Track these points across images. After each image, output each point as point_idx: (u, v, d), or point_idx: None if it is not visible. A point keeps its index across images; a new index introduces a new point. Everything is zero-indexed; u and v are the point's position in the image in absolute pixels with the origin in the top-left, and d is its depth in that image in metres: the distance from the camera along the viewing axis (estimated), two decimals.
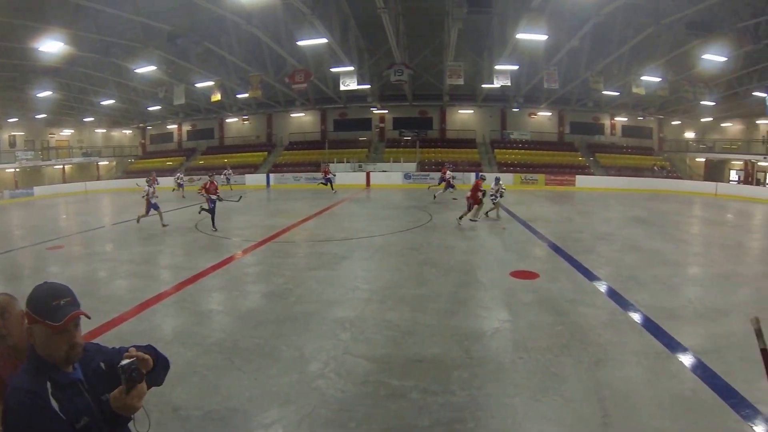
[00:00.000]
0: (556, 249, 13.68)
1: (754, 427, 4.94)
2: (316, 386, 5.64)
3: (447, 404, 5.29)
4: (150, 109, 39.74)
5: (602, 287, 10.04)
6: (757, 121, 42.02)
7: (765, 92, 32.19)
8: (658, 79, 30.18)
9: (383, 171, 37.14)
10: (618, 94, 35.58)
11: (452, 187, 26.69)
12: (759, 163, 40.27)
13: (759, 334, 2.35)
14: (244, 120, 46.63)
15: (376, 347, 6.73)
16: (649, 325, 7.83)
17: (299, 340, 6.95)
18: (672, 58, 27.31)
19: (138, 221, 17.59)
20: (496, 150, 42.05)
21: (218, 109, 41.28)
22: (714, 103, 37.31)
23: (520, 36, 20.78)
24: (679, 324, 7.96)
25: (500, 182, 19.56)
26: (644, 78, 29.81)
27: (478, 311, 8.39)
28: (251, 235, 15.53)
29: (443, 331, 7.31)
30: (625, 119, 46.04)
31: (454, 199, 25.00)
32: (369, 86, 33.60)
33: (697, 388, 5.78)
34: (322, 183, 30.24)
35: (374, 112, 43.17)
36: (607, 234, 16.54)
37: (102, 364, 2.05)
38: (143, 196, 17.57)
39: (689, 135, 48.59)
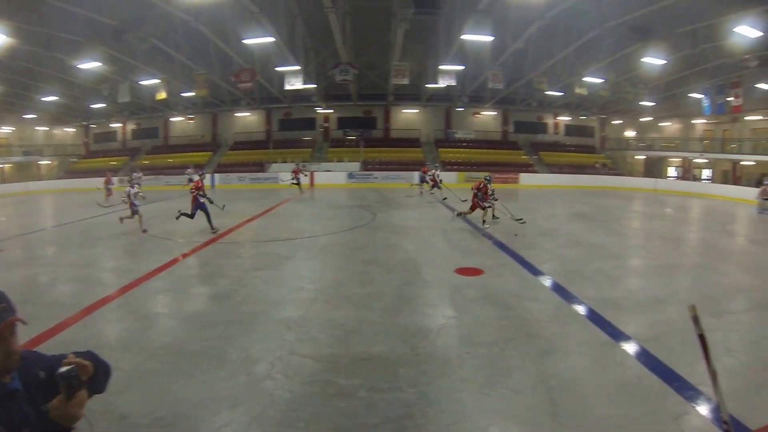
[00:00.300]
0: (501, 246, 13.82)
1: (697, 408, 5.19)
2: (263, 387, 5.55)
3: (395, 401, 5.26)
4: (94, 106, 38.55)
5: (547, 281, 10.20)
6: (693, 121, 44.48)
7: (701, 94, 34.00)
8: (600, 80, 31.20)
9: (327, 171, 37.04)
10: (561, 94, 36.60)
11: (437, 186, 26.63)
12: (695, 160, 42.64)
13: (696, 320, 2.42)
14: (189, 119, 45.73)
15: (322, 346, 6.65)
16: (594, 316, 8.01)
17: (246, 342, 6.81)
18: (614, 61, 28.25)
19: (121, 221, 16.55)
20: (440, 149, 42.51)
21: (163, 107, 40.34)
22: (653, 104, 39.25)
23: (466, 37, 21.03)
24: (622, 314, 8.19)
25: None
26: (587, 79, 30.75)
27: (423, 308, 8.38)
28: (196, 236, 15.15)
29: (389, 329, 7.28)
30: (568, 118, 47.46)
31: (445, 198, 25.19)
32: (314, 86, 33.40)
33: (642, 374, 5.98)
34: (293, 183, 29.52)
35: (319, 111, 43.01)
36: (550, 230, 16.85)
37: (41, 373, 1.92)
38: (124, 199, 16.45)
39: (630, 134, 50.89)
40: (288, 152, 40.25)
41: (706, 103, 33.38)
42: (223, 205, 17.64)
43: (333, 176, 36.04)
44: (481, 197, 16.47)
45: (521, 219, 16.89)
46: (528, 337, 7.10)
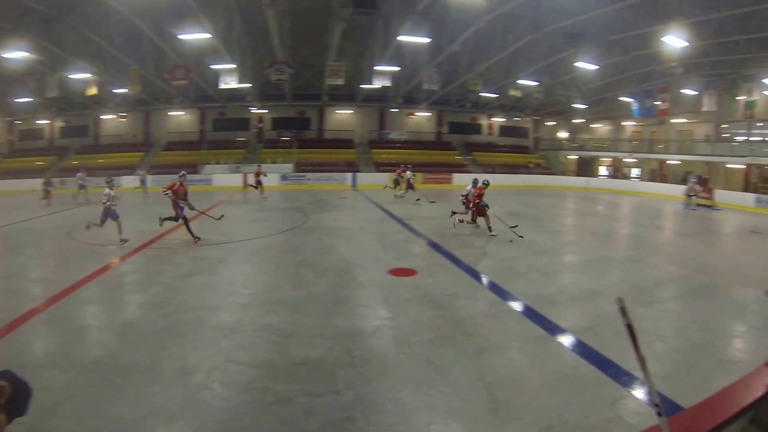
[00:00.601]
0: (435, 245, 13.97)
1: (633, 392, 5.50)
2: (201, 398, 5.38)
3: (335, 405, 5.23)
4: (19, 101, 35.86)
5: (481, 279, 10.39)
6: (624, 123, 46.79)
7: (631, 98, 35.82)
8: (534, 83, 32.04)
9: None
10: (496, 96, 37.38)
11: (411, 188, 26.58)
12: (625, 160, 44.75)
13: (624, 312, 2.48)
14: (121, 117, 43.51)
15: (259, 353, 6.54)
16: (529, 312, 8.21)
17: (180, 351, 6.59)
18: (548, 65, 29.01)
19: (87, 228, 14.75)
20: (373, 150, 42.55)
21: (94, 104, 38.46)
22: (586, 106, 40.98)
23: (403, 38, 21.09)
24: (557, 308, 8.42)
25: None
26: (521, 81, 31.49)
27: (358, 310, 8.35)
28: (128, 241, 14.50)
29: (324, 332, 7.23)
30: (503, 119, 48.61)
31: (418, 200, 25.28)
32: (249, 85, 32.85)
33: (578, 364, 6.22)
34: (252, 186, 28.77)
35: (253, 111, 42.36)
36: (484, 229, 17.05)
37: None
38: (104, 203, 14.37)
39: (563, 134, 52.40)
40: (222, 153, 39.32)
41: (635, 106, 35.11)
42: (221, 216, 16.86)
43: (266, 178, 35.34)
44: (484, 204, 16.03)
45: (515, 225, 16.37)
46: (464, 334, 7.18)
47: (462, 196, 17.78)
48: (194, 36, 20.95)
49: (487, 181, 16.60)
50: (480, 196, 15.87)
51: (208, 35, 20.68)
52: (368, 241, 14.71)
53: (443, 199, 26.08)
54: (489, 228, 15.68)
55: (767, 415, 3.41)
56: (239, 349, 6.64)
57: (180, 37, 21.45)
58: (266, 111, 42.60)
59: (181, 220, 14.34)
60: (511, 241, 14.60)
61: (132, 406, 5.23)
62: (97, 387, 5.67)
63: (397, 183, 28.03)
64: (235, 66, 26.70)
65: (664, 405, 4.38)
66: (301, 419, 4.99)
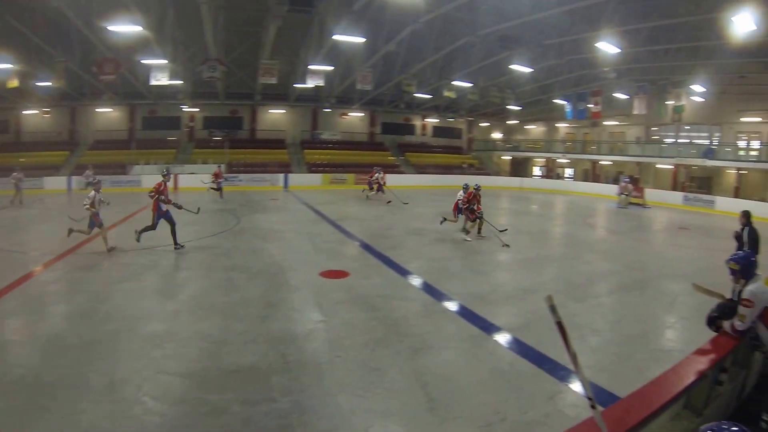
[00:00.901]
0: (367, 247, 14.06)
1: (570, 386, 5.69)
2: (132, 414, 5.16)
3: (271, 412, 5.15)
4: None
5: (414, 280, 10.50)
6: (557, 124, 48.23)
7: (565, 100, 36.99)
8: (469, 85, 32.35)
9: (191, 173, 35.07)
10: (430, 96, 37.58)
11: (381, 190, 26.57)
12: (558, 160, 46.18)
13: (553, 309, 2.56)
14: (44, 113, 40.44)
15: (191, 362, 6.35)
16: (463, 311, 8.37)
17: (108, 365, 6.27)
18: (483, 66, 29.41)
19: (69, 234, 13.45)
20: (305, 150, 42.14)
21: (15, 98, 35.52)
22: (520, 108, 41.86)
23: (338, 37, 20.98)
24: (492, 307, 8.63)
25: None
26: (456, 83, 31.77)
27: (290, 314, 8.27)
28: (50, 247, 13.66)
29: (257, 338, 7.12)
30: (436, 120, 48.98)
31: (389, 202, 25.12)
32: (181, 82, 31.57)
33: (514, 361, 6.39)
34: (212, 188, 27.91)
35: (184, 110, 40.79)
36: (417, 229, 17.29)
37: None
38: (88, 206, 12.98)
39: (497, 135, 53.31)
40: (152, 153, 37.65)
41: (568, 108, 36.24)
42: (198, 209, 16.13)
43: (197, 179, 34.47)
44: (473, 208, 15.72)
45: (505, 229, 16.11)
46: (399, 336, 7.23)
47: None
48: (125, 28, 20.05)
49: (478, 185, 16.41)
50: (470, 200, 15.70)
51: (140, 28, 19.99)
52: (300, 243, 14.64)
53: (413, 200, 26.18)
54: (465, 230, 15.74)
55: (699, 400, 3.56)
56: (171, 359, 6.44)
57: (110, 28, 20.56)
58: (197, 110, 41.19)
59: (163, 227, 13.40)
60: (507, 246, 14.52)
61: (58, 428, 4.94)
62: (18, 409, 5.30)
63: (371, 186, 27.98)
64: (166, 62, 25.88)
65: (601, 396, 4.47)
66: (237, 429, 4.90)
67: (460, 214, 16.17)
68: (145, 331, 7.39)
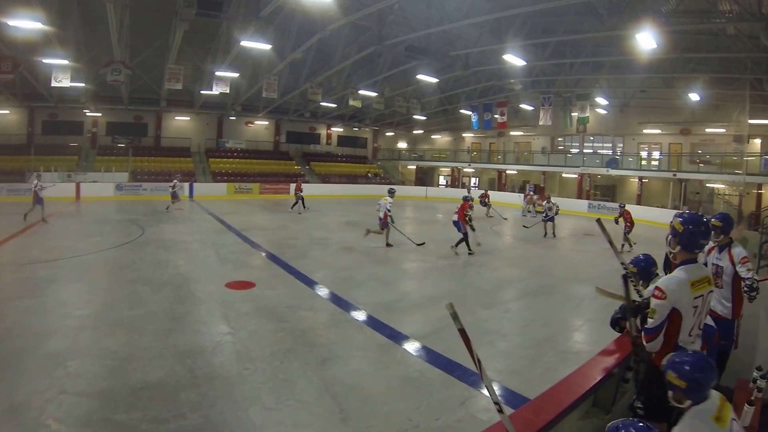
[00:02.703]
0: (272, 257, 14.09)
1: (482, 390, 5.86)
2: None
3: (181, 430, 5.10)
4: None
5: (320, 290, 10.62)
6: (464, 134, 49.47)
7: (471, 110, 38.05)
8: (374, 94, 32.69)
9: (94, 181, 33.46)
10: (336, 105, 37.79)
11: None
12: (464, 170, 47.40)
13: (454, 317, 2.72)
14: None
15: (96, 380, 6.12)
16: (370, 320, 8.57)
17: (7, 386, 5.91)
18: (390, 76, 29.85)
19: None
20: (210, 159, 41.39)
21: None
22: (425, 118, 42.76)
23: (245, 43, 20.79)
24: (399, 315, 8.86)
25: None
26: (362, 92, 32.05)
27: (197, 327, 8.18)
28: None
29: (164, 352, 6.99)
30: (341, 130, 49.32)
31: (179, 209, 24.77)
32: (84, 85, 29.99)
33: (424, 369, 6.58)
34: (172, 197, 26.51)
35: (87, 114, 38.71)
36: (322, 239, 17.46)
37: None
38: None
39: (402, 145, 54.08)
40: (52, 159, 34.89)
41: (474, 118, 37.11)
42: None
43: (100, 188, 32.71)
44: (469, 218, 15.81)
45: (422, 243, 16.60)
46: (307, 346, 7.31)
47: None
48: (25, 23, 19.05)
49: (470, 197, 16.77)
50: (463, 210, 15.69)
51: (41, 24, 19.06)
52: (206, 254, 14.44)
53: (318, 209, 26.08)
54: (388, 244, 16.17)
55: (606, 397, 3.82)
56: (74, 378, 6.18)
57: (9, 23, 19.54)
58: (101, 114, 39.18)
59: None
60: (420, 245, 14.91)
61: None
62: None
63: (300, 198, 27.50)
64: (69, 62, 24.81)
65: (513, 399, 4.68)
66: None
67: (386, 227, 16.29)
68: (46, 350, 7.04)
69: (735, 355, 5.09)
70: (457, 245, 15.56)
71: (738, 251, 5.16)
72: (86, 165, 36.36)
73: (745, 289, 4.78)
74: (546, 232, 20.18)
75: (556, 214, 20.57)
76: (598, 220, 4.86)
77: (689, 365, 2.93)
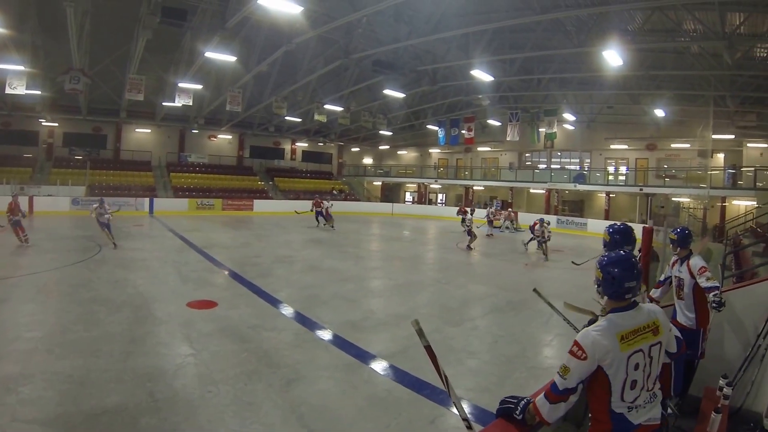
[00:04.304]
0: (235, 275, 13.96)
1: (451, 408, 5.84)
2: None
3: None
4: None
5: (285, 309, 10.56)
6: (430, 150, 50.02)
7: (437, 126, 38.80)
8: (340, 108, 32.87)
9: (49, 195, 32.31)
10: (300, 120, 37.96)
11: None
12: (431, 186, 47.70)
13: (420, 334, 2.77)
14: None
15: (51, 406, 5.91)
16: (336, 339, 8.53)
17: None
18: (356, 90, 30.03)
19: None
20: (172, 174, 41.01)
21: None
22: (391, 133, 43.21)
23: (209, 54, 20.70)
24: (365, 334, 8.87)
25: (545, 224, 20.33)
26: (328, 106, 32.18)
27: (157, 348, 8.01)
28: None
29: (122, 376, 6.80)
30: (306, 145, 49.63)
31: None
32: (40, 92, 29.28)
33: (391, 388, 6.58)
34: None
35: (43, 124, 37.81)
36: (286, 256, 17.41)
37: None
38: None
39: (368, 161, 54.41)
40: (3, 171, 33.84)
41: (441, 134, 37.55)
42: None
43: (55, 201, 31.77)
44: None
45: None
46: (271, 367, 7.24)
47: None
48: None
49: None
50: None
51: None
52: (166, 273, 14.20)
53: (281, 226, 25.92)
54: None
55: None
56: (27, 405, 5.96)
57: None
58: (57, 124, 38.36)
59: None
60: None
61: None
62: None
63: (319, 214, 28.16)
64: (24, 68, 24.28)
65: (485, 417, 4.70)
66: None
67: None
68: None
69: (702, 365, 5.23)
70: None
71: (694, 262, 5.33)
72: (41, 177, 35.41)
73: (713, 304, 4.86)
74: (546, 257, 20.36)
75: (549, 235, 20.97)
76: (535, 290, 5.14)
77: (608, 258, 3.09)
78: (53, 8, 20.30)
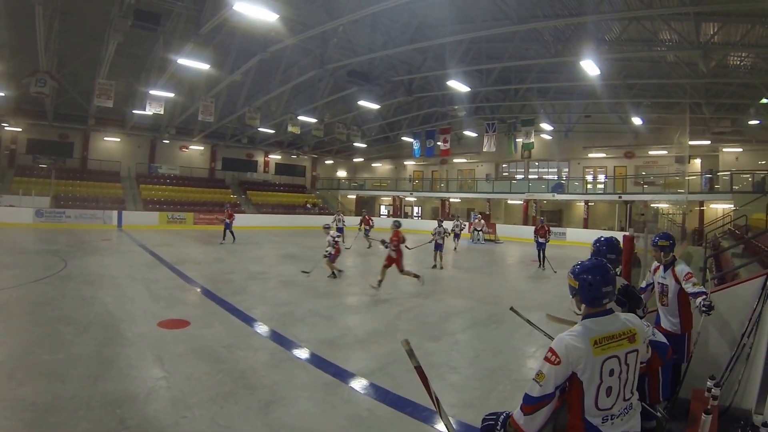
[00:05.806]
0: (207, 293, 13.75)
1: (435, 426, 5.83)
2: None
3: None
4: None
5: (260, 327, 10.39)
6: (405, 162, 50.25)
7: (413, 138, 39.33)
8: (314, 120, 32.98)
9: (10, 205, 31.31)
10: (274, 131, 37.95)
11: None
12: (406, 198, 47.92)
13: (410, 354, 2.73)
14: None
15: None
16: (314, 358, 8.39)
17: None
18: (330, 101, 30.11)
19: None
20: (141, 185, 40.58)
21: None
22: (366, 145, 43.50)
23: (182, 62, 20.56)
24: (343, 352, 8.75)
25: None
26: (301, 118, 32.25)
27: (127, 371, 7.74)
28: None
29: (90, 402, 6.53)
30: (279, 157, 49.76)
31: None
32: (2, 94, 28.72)
33: (373, 407, 6.47)
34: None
35: (6, 129, 36.69)
36: (259, 273, 17.28)
37: None
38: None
39: (342, 173, 54.60)
40: None
41: (416, 146, 37.81)
42: None
43: (16, 213, 30.88)
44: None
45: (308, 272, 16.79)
46: (248, 389, 7.07)
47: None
48: None
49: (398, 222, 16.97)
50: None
51: None
52: (136, 290, 13.85)
53: (253, 241, 25.75)
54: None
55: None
56: None
57: None
58: (21, 130, 37.27)
59: None
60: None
61: None
62: None
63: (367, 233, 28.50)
64: None
65: None
66: None
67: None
68: None
69: (690, 368, 5.30)
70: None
71: (680, 269, 5.45)
72: (2, 186, 34.45)
73: (703, 309, 4.97)
74: (543, 266, 20.47)
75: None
76: (512, 308, 5.37)
77: (581, 266, 3.23)
78: (20, 5, 19.86)
